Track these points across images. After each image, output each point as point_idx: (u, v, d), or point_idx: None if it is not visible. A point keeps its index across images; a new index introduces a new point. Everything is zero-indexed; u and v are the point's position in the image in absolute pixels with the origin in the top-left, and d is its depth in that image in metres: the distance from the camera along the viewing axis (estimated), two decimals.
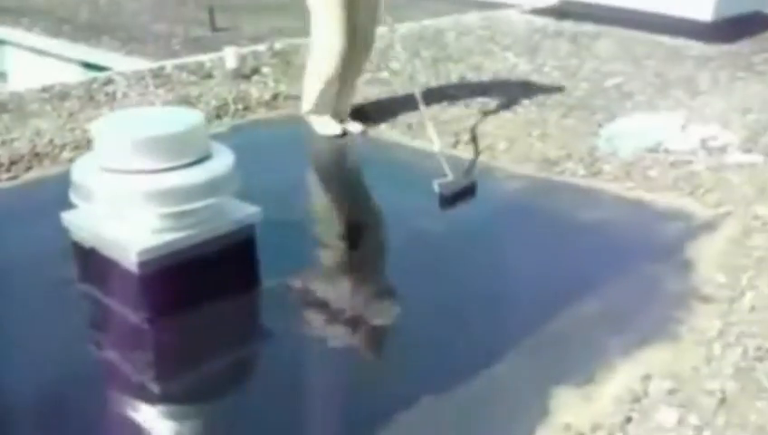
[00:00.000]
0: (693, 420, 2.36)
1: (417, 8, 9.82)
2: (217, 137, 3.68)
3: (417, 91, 4.62)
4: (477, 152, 4.53)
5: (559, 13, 8.91)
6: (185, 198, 2.86)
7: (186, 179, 2.86)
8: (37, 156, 4.50)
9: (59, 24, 10.27)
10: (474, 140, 4.77)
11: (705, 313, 2.99)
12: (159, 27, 9.69)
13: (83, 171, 2.91)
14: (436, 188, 4.07)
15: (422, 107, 4.56)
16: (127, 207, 2.84)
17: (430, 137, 4.42)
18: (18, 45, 10.48)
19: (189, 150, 2.92)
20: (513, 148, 4.69)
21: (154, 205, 2.83)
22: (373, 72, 6.12)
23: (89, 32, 9.70)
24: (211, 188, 2.92)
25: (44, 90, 5.66)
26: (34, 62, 10.04)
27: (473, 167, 4.37)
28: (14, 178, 4.32)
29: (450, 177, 4.15)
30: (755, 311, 2.97)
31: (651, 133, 4.72)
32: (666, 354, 2.73)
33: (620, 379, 2.60)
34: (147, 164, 2.83)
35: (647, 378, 2.58)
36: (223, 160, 3.02)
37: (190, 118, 3.09)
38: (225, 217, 3.06)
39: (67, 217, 3.07)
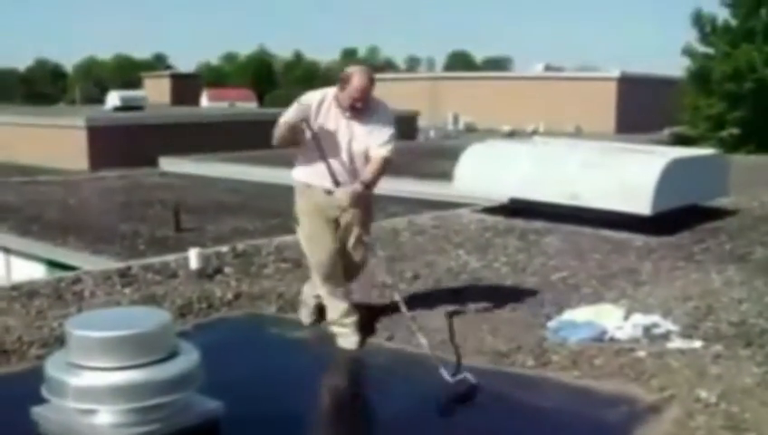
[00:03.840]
0: None
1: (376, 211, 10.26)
2: (182, 335, 3.86)
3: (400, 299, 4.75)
4: (458, 354, 4.56)
5: (509, 211, 9.30)
6: (152, 394, 3.02)
7: (153, 376, 3.03)
8: (5, 353, 4.59)
9: (27, 223, 10.55)
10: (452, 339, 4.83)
11: None
12: (126, 227, 9.99)
13: (56, 367, 3.06)
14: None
15: (404, 309, 4.67)
16: (96, 401, 2.98)
17: (419, 341, 4.54)
18: None
19: (156, 348, 3.11)
20: (466, 343, 4.82)
21: (122, 400, 2.98)
22: None
23: (56, 231, 9.96)
24: (177, 383, 3.10)
25: (14, 288, 5.81)
26: None
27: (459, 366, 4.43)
28: None
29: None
30: None
31: (596, 324, 4.96)
32: None
33: None
34: (116, 361, 3.00)
35: None
36: (188, 357, 3.21)
37: (157, 317, 3.30)
38: (189, 411, 3.20)
39: (37, 411, 3.19)
